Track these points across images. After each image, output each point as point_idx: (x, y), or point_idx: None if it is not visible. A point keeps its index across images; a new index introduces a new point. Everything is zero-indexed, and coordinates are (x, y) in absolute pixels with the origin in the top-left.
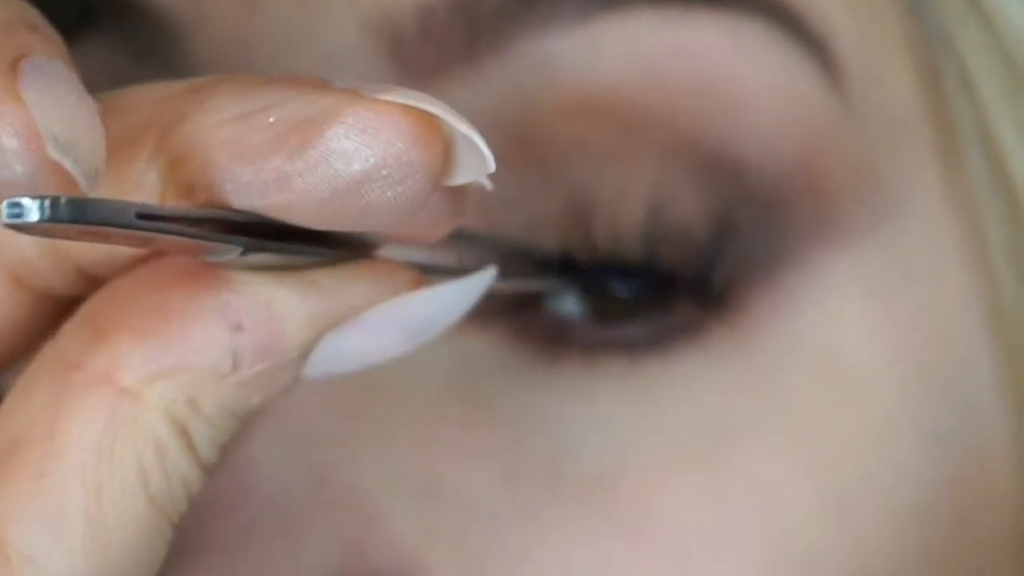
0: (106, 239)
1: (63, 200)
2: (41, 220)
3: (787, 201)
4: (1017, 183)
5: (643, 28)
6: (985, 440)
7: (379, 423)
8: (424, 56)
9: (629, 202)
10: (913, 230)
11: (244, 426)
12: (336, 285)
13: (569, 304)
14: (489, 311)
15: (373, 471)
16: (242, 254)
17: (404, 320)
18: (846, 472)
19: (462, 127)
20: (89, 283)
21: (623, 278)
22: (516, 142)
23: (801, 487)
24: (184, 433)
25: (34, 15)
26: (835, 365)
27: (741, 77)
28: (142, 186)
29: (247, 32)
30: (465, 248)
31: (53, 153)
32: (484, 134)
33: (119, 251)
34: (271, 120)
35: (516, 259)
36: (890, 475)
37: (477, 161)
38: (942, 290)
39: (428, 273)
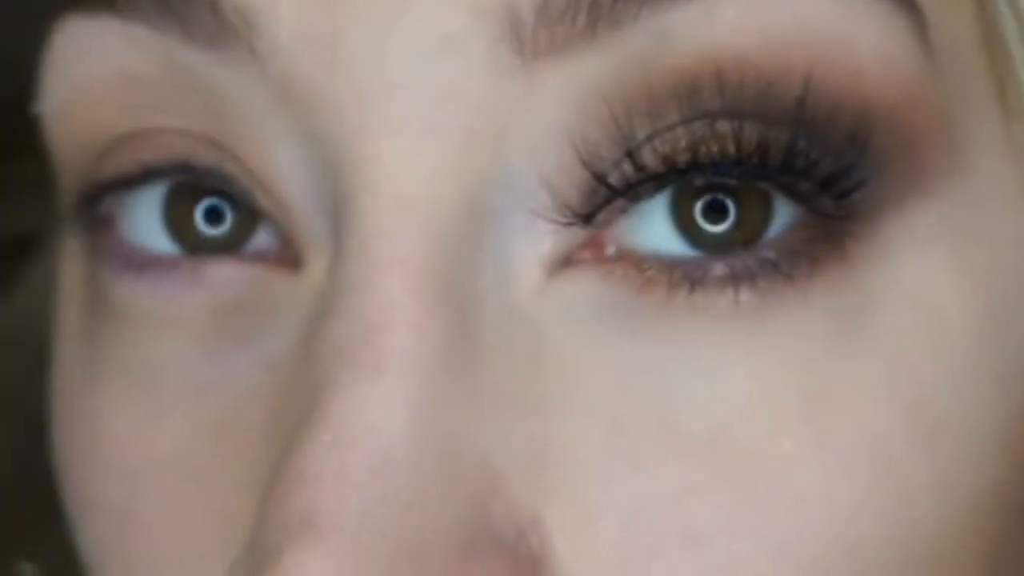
0: None
1: None
2: None
3: (888, 156)
4: None
5: None
6: None
7: (488, 386)
8: (543, 38)
9: (747, 132)
10: (981, 181)
11: None
12: None
13: (663, 236)
14: (574, 261)
15: (491, 434)
16: None
17: None
18: (936, 412)
19: None
20: None
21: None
22: (629, 99)
23: (898, 428)
24: None
25: None
26: (925, 310)
27: (849, 41)
28: None
29: (331, 15)
30: None
31: None
32: (597, 94)
33: None
34: None
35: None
36: (972, 414)
37: None
38: (1008, 240)
39: None
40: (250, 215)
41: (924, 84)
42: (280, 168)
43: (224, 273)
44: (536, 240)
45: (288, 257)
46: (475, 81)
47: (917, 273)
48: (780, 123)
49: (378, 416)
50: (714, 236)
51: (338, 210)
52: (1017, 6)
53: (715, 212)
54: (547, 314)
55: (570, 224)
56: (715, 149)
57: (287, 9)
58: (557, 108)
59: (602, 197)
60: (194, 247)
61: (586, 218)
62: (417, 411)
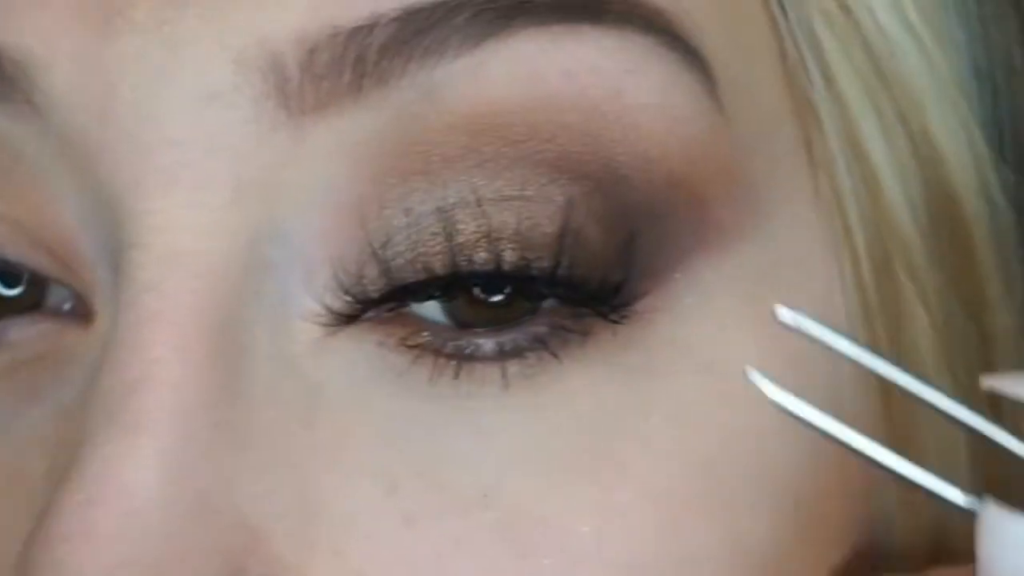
0: None
1: None
2: None
3: (669, 212)
4: (880, 180)
5: (530, 50)
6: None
7: (256, 440)
8: (308, 93)
9: (508, 209)
10: (783, 231)
11: None
12: None
13: (437, 310)
14: (358, 318)
15: (256, 491)
16: None
17: None
18: (723, 470)
19: None
20: None
21: (499, 283)
22: (399, 157)
23: (689, 485)
24: None
25: None
26: (712, 367)
27: (625, 95)
28: None
29: (104, 69)
30: None
31: None
32: (365, 154)
33: None
34: None
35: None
36: (763, 471)
37: None
38: (810, 289)
39: None
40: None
41: (713, 140)
42: (66, 222)
43: (24, 331)
44: (315, 297)
45: (81, 312)
46: (242, 135)
47: (706, 330)
48: (541, 246)
49: (130, 475)
50: (486, 310)
51: (116, 263)
52: (821, 56)
53: (488, 290)
54: (324, 370)
55: (343, 303)
56: (478, 271)
57: (63, 62)
58: (326, 164)
59: (373, 290)
60: None
61: (351, 313)
62: (171, 470)
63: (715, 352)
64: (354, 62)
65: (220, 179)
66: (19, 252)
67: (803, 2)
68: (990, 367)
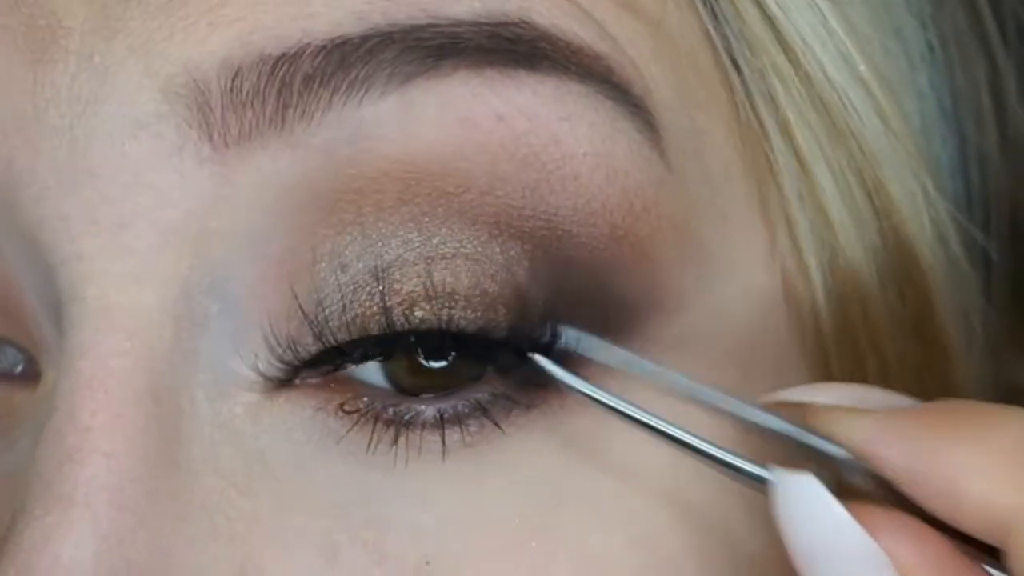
0: None
1: None
2: None
3: (613, 269)
4: (837, 233)
5: (464, 92)
6: None
7: (195, 511)
8: (231, 122)
9: (444, 267)
10: (736, 286)
11: None
12: None
13: (375, 374)
14: (293, 384)
15: (197, 562)
16: None
17: None
18: (676, 539)
19: None
20: None
21: (437, 348)
22: (329, 205)
23: (628, 558)
24: None
25: None
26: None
27: (563, 143)
28: None
29: (36, 96)
30: None
31: None
32: (295, 201)
33: None
34: None
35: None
36: (716, 539)
37: None
38: (766, 358)
39: None
40: None
41: (658, 193)
42: (14, 275)
43: None
44: (253, 355)
45: (31, 374)
46: (165, 167)
47: (655, 394)
48: (482, 306)
49: (64, 549)
50: (429, 376)
51: (58, 318)
52: (776, 111)
53: (431, 355)
54: (264, 436)
55: (281, 366)
56: (416, 330)
57: None
58: (254, 210)
59: (309, 352)
60: None
61: (289, 374)
62: (106, 542)
63: (669, 418)
64: (278, 91)
65: (143, 218)
66: None
67: (757, 56)
68: None
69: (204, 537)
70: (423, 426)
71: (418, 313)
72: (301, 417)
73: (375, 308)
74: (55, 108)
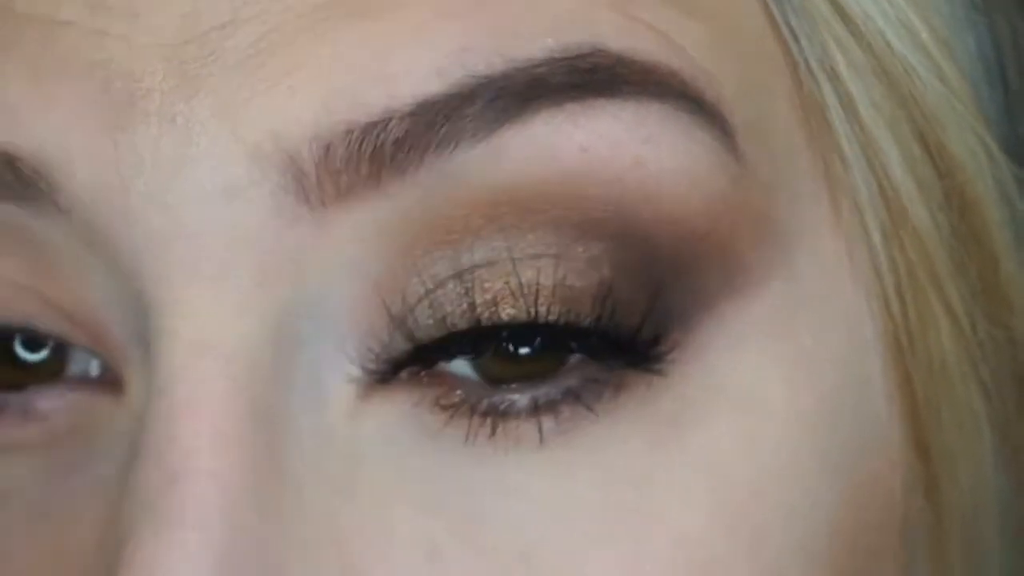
0: None
1: None
2: None
3: (696, 264)
4: (902, 197)
5: (547, 131)
6: (879, 465)
7: (301, 520)
8: (327, 186)
9: (529, 266)
10: (807, 265)
11: None
12: None
13: (464, 366)
14: (386, 380)
15: (306, 570)
16: None
17: None
18: (758, 512)
19: None
20: None
21: (524, 336)
22: (423, 235)
23: (718, 532)
24: None
25: None
26: (745, 409)
27: (645, 164)
28: None
29: (119, 163)
30: None
31: None
32: (388, 235)
33: None
34: None
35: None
36: (798, 510)
37: None
38: (838, 318)
39: None
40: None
41: (735, 191)
42: (95, 305)
43: (52, 402)
44: (347, 363)
45: (110, 380)
46: (262, 228)
47: (735, 374)
48: (570, 299)
49: (182, 572)
50: (516, 365)
51: (147, 348)
52: (837, 82)
53: (516, 342)
54: (361, 437)
55: (373, 377)
56: (506, 324)
57: (80, 163)
58: (350, 247)
59: (404, 355)
60: (18, 377)
61: (384, 374)
62: (222, 562)
63: (747, 394)
64: (371, 157)
65: (243, 267)
66: (49, 324)
67: (815, 30)
68: (1017, 372)
69: (312, 546)
70: (519, 415)
71: (506, 311)
72: (397, 416)
73: (464, 307)
74: (140, 176)
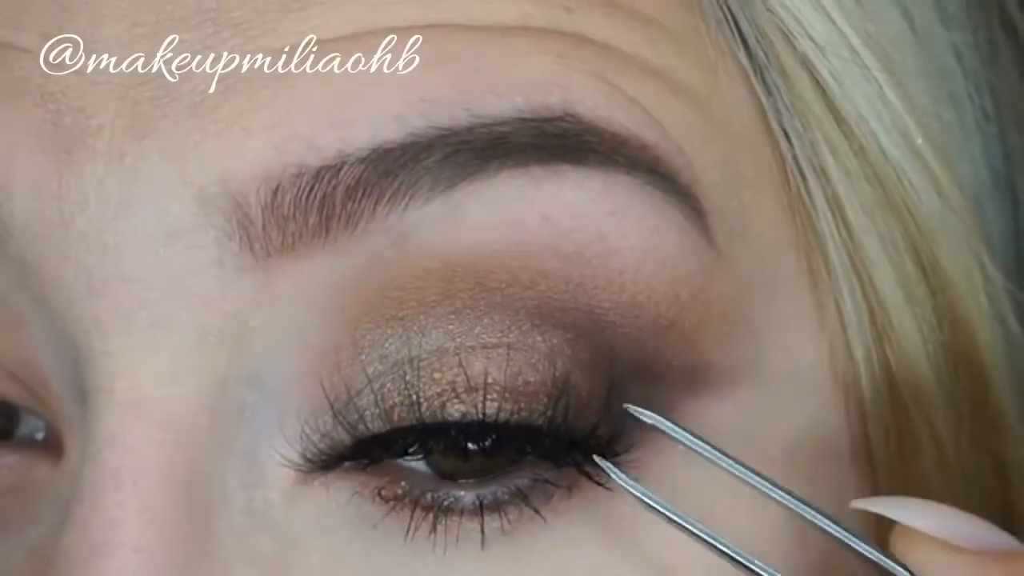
0: None
1: None
2: None
3: (657, 363)
4: (889, 309)
5: (509, 193)
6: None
7: None
8: (273, 234)
9: (485, 357)
10: (781, 369)
11: None
12: None
13: (416, 461)
14: (327, 467)
15: None
16: None
17: None
18: None
19: None
20: None
21: (477, 433)
22: (373, 302)
23: None
24: None
25: None
26: (708, 509)
27: (609, 238)
28: None
29: (62, 199)
30: None
31: None
32: (338, 301)
33: None
34: None
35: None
36: None
37: None
38: (813, 420)
39: None
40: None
41: (704, 278)
42: (35, 356)
43: None
44: (286, 446)
45: (53, 443)
46: (204, 276)
47: (696, 477)
48: (523, 395)
49: None
50: (468, 460)
51: (85, 406)
52: (827, 184)
53: (469, 437)
54: (298, 522)
55: (316, 456)
56: (453, 423)
57: (20, 191)
58: (297, 309)
59: (343, 445)
60: None
61: (325, 463)
62: None
63: (707, 497)
64: (320, 203)
65: (182, 321)
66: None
67: (808, 129)
68: (1006, 500)
69: None
70: (462, 513)
71: (456, 407)
72: (337, 502)
73: (410, 401)
74: (82, 213)
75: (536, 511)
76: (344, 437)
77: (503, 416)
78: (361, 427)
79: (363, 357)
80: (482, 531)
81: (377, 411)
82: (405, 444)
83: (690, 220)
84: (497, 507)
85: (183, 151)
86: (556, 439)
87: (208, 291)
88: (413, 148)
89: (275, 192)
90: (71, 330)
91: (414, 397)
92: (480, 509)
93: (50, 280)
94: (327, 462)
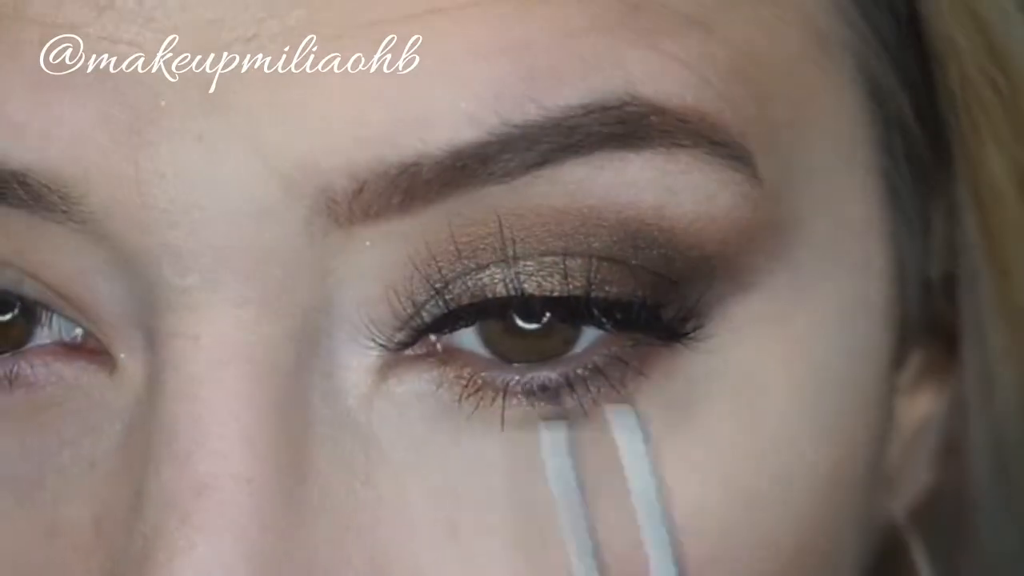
0: None
1: None
2: None
3: (706, 276)
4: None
5: (572, 178)
6: (854, 424)
7: (326, 511)
8: (357, 213)
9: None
10: (806, 256)
11: None
12: None
13: (477, 345)
14: (400, 359)
15: (328, 562)
16: None
17: None
18: (754, 481)
19: None
20: None
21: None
22: (445, 245)
23: (726, 504)
24: None
25: None
26: (745, 392)
27: (665, 209)
28: None
29: (139, 182)
30: None
31: None
32: (412, 246)
33: None
34: None
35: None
36: (794, 476)
37: None
38: (826, 302)
39: None
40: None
41: (752, 215)
42: (89, 288)
43: (36, 370)
44: (363, 349)
45: (93, 350)
46: (292, 243)
47: (739, 359)
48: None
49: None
50: (523, 341)
51: (150, 336)
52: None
53: (526, 319)
54: (378, 419)
55: (391, 346)
56: (525, 295)
57: (96, 181)
58: (377, 252)
59: (417, 327)
60: None
61: (404, 344)
62: (257, 567)
63: (748, 376)
64: (404, 191)
65: (268, 277)
66: (38, 294)
67: None
68: None
69: (336, 535)
70: (554, 393)
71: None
72: (413, 394)
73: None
74: (162, 193)
75: (613, 387)
76: (423, 307)
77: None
78: (447, 296)
79: (442, 265)
80: (569, 407)
81: (462, 289)
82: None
83: (741, 172)
84: (580, 383)
85: (260, 130)
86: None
87: (293, 249)
88: (490, 147)
89: (360, 184)
90: (153, 290)
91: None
92: (567, 384)
93: (133, 253)
94: (401, 345)
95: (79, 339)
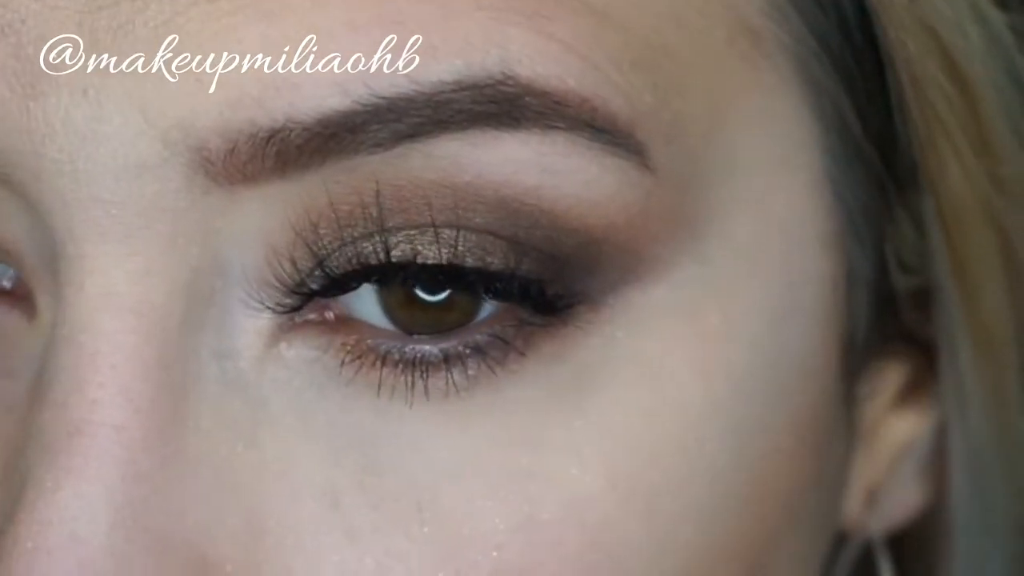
0: None
1: None
2: None
3: (597, 261)
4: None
5: (446, 152)
6: (783, 438)
7: (204, 468)
8: (234, 172)
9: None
10: (722, 253)
11: None
12: None
13: (378, 315)
14: (295, 327)
15: (206, 520)
16: None
17: None
18: (654, 477)
19: None
20: None
21: (434, 282)
22: (330, 207)
23: (611, 496)
24: None
25: None
26: (647, 381)
27: (543, 190)
28: None
29: (31, 130)
30: None
31: None
32: (295, 212)
33: None
34: None
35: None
36: (696, 476)
37: None
38: (746, 301)
39: None
40: None
41: (643, 201)
42: (11, 230)
43: None
44: (255, 312)
45: (21, 295)
46: (174, 197)
47: (639, 349)
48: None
49: (80, 524)
50: (424, 313)
51: (57, 279)
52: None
53: (427, 291)
54: (268, 384)
55: (280, 310)
56: (416, 259)
57: (1, 129)
58: (260, 216)
59: (305, 292)
60: None
61: (293, 309)
62: (122, 514)
63: (649, 368)
64: (276, 155)
65: (153, 232)
66: None
67: None
68: None
69: (213, 492)
70: (427, 367)
71: (422, 251)
72: (306, 360)
73: (378, 244)
74: (52, 143)
75: (491, 368)
76: (309, 272)
77: (465, 257)
78: (327, 264)
79: (325, 233)
80: (448, 384)
81: (344, 258)
82: (367, 275)
83: (628, 159)
84: (459, 360)
85: (144, 92)
86: (509, 282)
87: (177, 207)
88: (358, 116)
89: (232, 145)
90: (49, 234)
91: (380, 243)
92: (446, 361)
93: (29, 197)
94: (293, 307)
95: (11, 285)
